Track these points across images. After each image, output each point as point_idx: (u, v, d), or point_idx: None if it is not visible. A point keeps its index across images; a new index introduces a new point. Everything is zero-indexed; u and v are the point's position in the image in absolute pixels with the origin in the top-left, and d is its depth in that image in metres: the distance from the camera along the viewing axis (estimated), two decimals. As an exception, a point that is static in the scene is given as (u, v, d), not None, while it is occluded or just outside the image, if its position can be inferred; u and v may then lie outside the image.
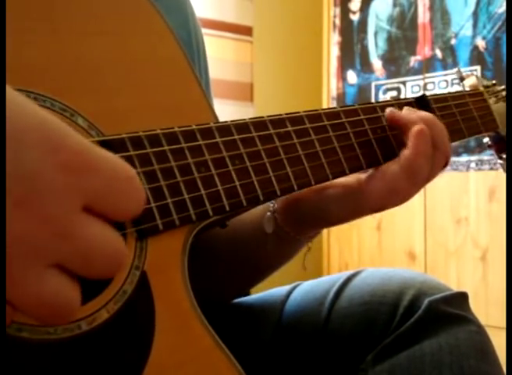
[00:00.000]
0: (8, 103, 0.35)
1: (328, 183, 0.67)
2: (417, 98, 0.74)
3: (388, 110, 0.69)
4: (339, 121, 0.66)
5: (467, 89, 0.85)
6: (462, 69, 0.90)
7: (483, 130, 0.82)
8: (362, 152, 0.67)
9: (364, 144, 0.67)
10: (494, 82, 0.86)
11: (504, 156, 0.87)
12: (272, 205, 0.71)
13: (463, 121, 0.78)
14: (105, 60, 0.52)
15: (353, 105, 0.68)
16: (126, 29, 0.55)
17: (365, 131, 0.68)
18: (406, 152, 0.65)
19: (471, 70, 2.51)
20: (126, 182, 0.38)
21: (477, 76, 0.86)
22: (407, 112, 0.68)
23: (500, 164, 0.89)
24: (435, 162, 0.67)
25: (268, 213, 0.71)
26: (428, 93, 0.76)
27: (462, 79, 0.87)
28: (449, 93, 0.79)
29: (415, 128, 0.65)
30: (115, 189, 0.37)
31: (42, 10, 0.49)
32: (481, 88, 0.85)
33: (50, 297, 0.35)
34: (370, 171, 0.67)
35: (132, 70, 0.54)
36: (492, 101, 0.84)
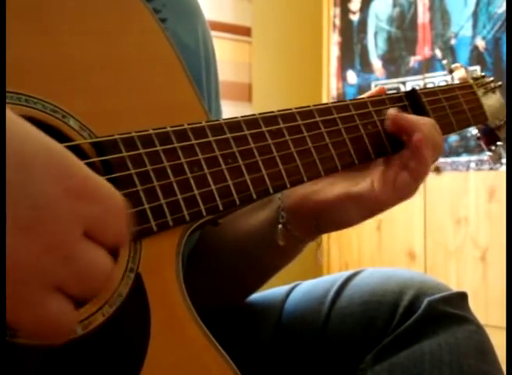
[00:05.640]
0: (13, 126, 0.35)
1: (343, 196, 0.67)
2: (407, 93, 0.74)
3: (391, 113, 0.69)
4: (331, 117, 0.66)
5: (457, 81, 0.85)
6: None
7: (472, 123, 0.82)
8: (354, 148, 0.67)
9: (356, 139, 0.67)
10: (483, 74, 0.86)
11: (493, 148, 0.87)
12: (282, 217, 0.71)
13: (453, 114, 0.78)
14: (96, 60, 0.52)
15: (344, 101, 0.68)
16: (116, 28, 0.54)
17: (356, 127, 0.68)
18: (412, 164, 0.66)
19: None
20: (119, 211, 0.40)
21: (466, 69, 0.85)
22: (411, 117, 0.69)
23: (489, 156, 0.88)
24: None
25: (280, 226, 0.71)
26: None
27: (451, 71, 0.87)
28: (439, 86, 0.78)
29: (418, 136, 0.66)
30: (111, 217, 0.40)
31: (31, 11, 0.49)
32: (471, 81, 0.84)
33: (53, 319, 0.37)
34: (379, 175, 0.68)
35: (123, 70, 0.54)
36: (480, 92, 0.84)
